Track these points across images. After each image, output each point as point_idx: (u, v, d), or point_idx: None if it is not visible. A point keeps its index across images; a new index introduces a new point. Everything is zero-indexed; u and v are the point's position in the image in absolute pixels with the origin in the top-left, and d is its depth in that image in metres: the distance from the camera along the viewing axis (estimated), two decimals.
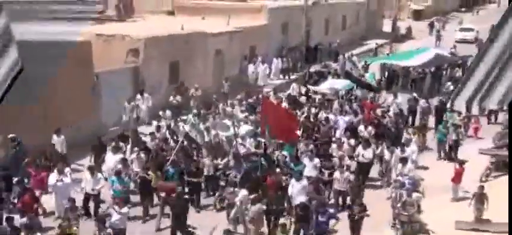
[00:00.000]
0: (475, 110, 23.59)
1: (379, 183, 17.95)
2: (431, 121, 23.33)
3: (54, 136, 17.44)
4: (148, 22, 30.01)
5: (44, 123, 17.45)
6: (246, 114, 21.55)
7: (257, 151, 17.74)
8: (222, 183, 16.20)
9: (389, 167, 17.53)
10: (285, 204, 14.85)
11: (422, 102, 24.14)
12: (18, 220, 12.76)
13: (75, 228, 12.91)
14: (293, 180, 14.97)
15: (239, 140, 18.13)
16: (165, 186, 14.90)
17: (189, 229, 14.41)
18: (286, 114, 19.28)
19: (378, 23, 53.21)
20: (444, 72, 32.07)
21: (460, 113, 21.98)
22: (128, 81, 22.53)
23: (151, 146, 17.81)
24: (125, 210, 13.33)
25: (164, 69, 24.25)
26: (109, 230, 12.98)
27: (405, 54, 34.50)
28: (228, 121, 19.41)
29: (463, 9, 76.74)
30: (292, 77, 31.78)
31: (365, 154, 17.51)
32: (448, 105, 22.64)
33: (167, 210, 14.58)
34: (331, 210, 14.30)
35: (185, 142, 17.53)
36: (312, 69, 32.26)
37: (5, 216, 13.01)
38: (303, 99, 25.47)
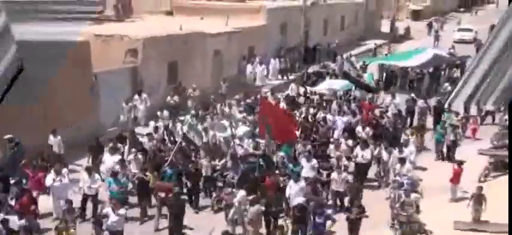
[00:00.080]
0: (473, 111, 23.63)
1: (377, 183, 17.95)
2: (429, 121, 23.36)
3: (51, 137, 17.39)
4: (146, 22, 29.99)
5: (43, 123, 17.43)
6: (244, 114, 21.50)
7: (255, 152, 17.68)
8: (220, 184, 16.13)
9: (387, 168, 17.54)
10: (284, 205, 14.83)
11: (420, 102, 24.13)
12: (17, 221, 12.71)
13: (72, 230, 12.87)
14: (291, 182, 14.92)
15: (237, 141, 18.12)
16: (162, 186, 14.89)
17: (187, 230, 14.39)
18: (284, 114, 19.27)
19: (377, 24, 53.25)
20: (442, 73, 32.09)
21: (457, 114, 21.99)
22: (127, 81, 22.52)
23: (149, 147, 17.75)
24: (121, 211, 13.27)
25: (163, 70, 24.24)
26: (106, 232, 12.95)
27: (403, 54, 34.46)
28: (225, 122, 19.38)
29: (461, 9, 76.87)
30: (291, 78, 31.78)
31: (363, 155, 17.51)
32: (446, 106, 22.66)
33: (165, 210, 14.56)
34: (329, 211, 14.29)
35: (183, 144, 17.50)
36: (310, 69, 32.29)
37: (1, 217, 12.94)
38: (301, 99, 25.45)
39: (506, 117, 21.61)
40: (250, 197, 14.33)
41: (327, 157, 17.64)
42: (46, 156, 16.78)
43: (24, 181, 15.16)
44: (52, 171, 15.00)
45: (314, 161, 16.57)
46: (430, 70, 30.81)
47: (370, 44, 43.86)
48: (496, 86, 3.73)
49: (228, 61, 28.88)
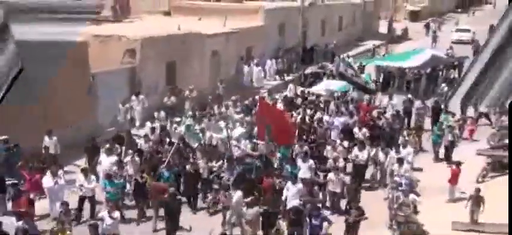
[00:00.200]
0: (470, 112, 23.67)
1: (375, 184, 17.95)
2: (427, 122, 23.36)
3: (46, 138, 17.28)
4: (144, 22, 29.97)
5: (42, 123, 17.38)
6: (241, 115, 21.43)
7: (253, 153, 17.62)
8: (215, 186, 16.00)
9: (384, 169, 17.53)
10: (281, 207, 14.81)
11: (417, 103, 24.14)
12: (14, 223, 12.67)
13: (68, 232, 12.81)
14: (289, 183, 14.82)
15: (234, 142, 18.08)
16: (158, 186, 14.83)
17: (184, 231, 14.38)
18: (283, 116, 19.20)
19: (374, 24, 53.34)
20: (440, 74, 32.10)
21: (454, 115, 22.01)
22: (125, 81, 22.49)
23: (145, 148, 17.68)
24: (116, 214, 13.21)
25: (161, 70, 24.23)
26: None
27: (401, 55, 34.48)
28: (221, 124, 19.35)
29: (459, 10, 77.04)
30: (288, 78, 31.77)
31: (360, 156, 17.51)
32: (443, 106, 22.70)
33: (162, 212, 14.51)
34: (326, 213, 14.25)
35: (180, 145, 17.46)
36: (308, 70, 32.28)
37: None
38: (299, 100, 25.42)
39: (503, 117, 21.65)
40: (248, 199, 14.29)
41: (324, 159, 17.61)
42: (42, 157, 16.72)
43: (21, 182, 15.13)
44: (48, 173, 14.92)
45: (311, 162, 16.53)
46: (428, 71, 30.84)
47: (368, 44, 43.91)
48: (490, 87, 3.75)
49: (226, 62, 28.89)
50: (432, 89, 29.66)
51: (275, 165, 17.33)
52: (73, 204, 14.66)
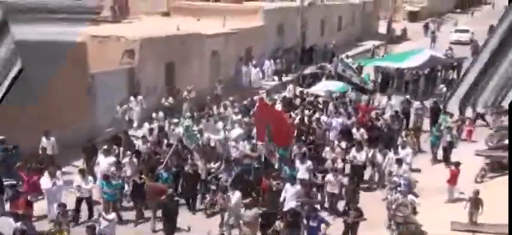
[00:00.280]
0: (468, 113, 23.68)
1: (373, 185, 17.94)
2: (425, 123, 23.34)
3: (43, 139, 17.21)
4: (143, 23, 29.97)
5: (40, 123, 17.36)
6: (240, 116, 21.36)
7: (251, 154, 17.53)
8: (213, 188, 15.93)
9: (382, 170, 17.50)
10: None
11: (416, 104, 24.13)
12: (12, 224, 12.64)
13: (65, 234, 12.79)
14: (287, 185, 14.76)
15: (233, 143, 18.03)
16: (156, 187, 14.76)
17: (181, 232, 14.35)
18: (282, 116, 19.15)
19: (374, 25, 53.39)
20: (439, 74, 32.09)
21: (452, 115, 22.00)
22: (123, 82, 22.47)
23: (143, 150, 17.62)
24: (111, 216, 13.18)
25: (160, 70, 24.21)
26: None
27: (399, 55, 34.39)
28: (219, 125, 19.29)
29: (458, 10, 77.14)
30: (286, 79, 31.75)
31: (358, 157, 17.47)
32: (442, 107, 22.71)
33: (160, 212, 14.49)
34: (323, 214, 14.21)
35: (179, 146, 17.42)
36: (307, 70, 32.28)
37: None
38: (298, 101, 25.39)
39: (502, 118, 21.66)
40: (247, 200, 14.25)
41: (322, 160, 17.57)
42: (40, 158, 16.67)
43: (19, 183, 15.09)
44: (46, 174, 14.85)
45: (309, 163, 16.48)
46: (426, 71, 30.83)
47: (367, 44, 43.92)
48: (485, 88, 3.75)
49: (226, 62, 28.89)
50: (431, 89, 29.65)
51: (276, 166, 17.23)
52: (71, 205, 14.63)
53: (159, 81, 24.16)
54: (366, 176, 18.07)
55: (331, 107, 23.60)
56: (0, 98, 3.31)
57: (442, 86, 28.12)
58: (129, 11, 32.73)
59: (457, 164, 16.52)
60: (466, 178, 16.69)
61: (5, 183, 14.77)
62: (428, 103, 24.76)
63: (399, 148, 18.06)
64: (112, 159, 16.18)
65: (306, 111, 22.36)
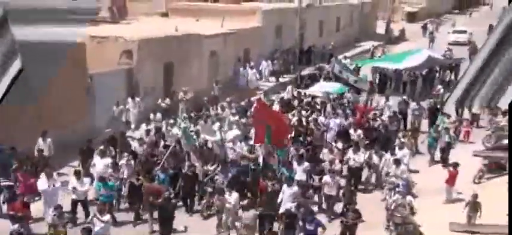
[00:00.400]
0: (466, 114, 23.74)
1: (369, 186, 17.92)
2: (423, 124, 23.33)
3: (40, 140, 17.13)
4: (142, 24, 29.95)
5: (39, 124, 17.35)
6: (237, 117, 21.29)
7: (249, 155, 17.43)
8: (209, 189, 15.84)
9: (379, 171, 17.47)
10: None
11: (413, 105, 24.13)
12: (10, 226, 12.58)
13: None
14: (284, 186, 14.72)
15: (230, 144, 17.99)
16: (152, 188, 14.72)
17: (179, 234, 14.35)
18: (280, 117, 19.11)
19: (372, 25, 53.41)
20: (437, 75, 32.09)
21: (449, 116, 22.01)
22: (122, 82, 22.47)
23: (140, 151, 17.55)
24: (106, 218, 13.12)
25: (158, 71, 24.21)
26: None
27: (397, 56, 34.38)
28: (215, 126, 19.25)
29: (456, 11, 77.17)
30: (284, 80, 31.73)
31: (355, 158, 17.43)
32: (441, 108, 22.71)
33: (156, 214, 14.46)
34: (320, 217, 14.17)
35: (177, 147, 17.38)
36: (304, 72, 32.28)
37: None
38: (296, 102, 25.35)
39: (498, 118, 21.71)
40: (244, 202, 14.23)
41: (319, 161, 17.51)
42: (35, 160, 16.58)
43: (17, 184, 15.04)
44: (43, 176, 14.63)
45: (306, 164, 16.45)
46: (424, 72, 30.84)
47: (366, 45, 43.94)
48: (481, 89, 3.76)
49: (224, 62, 28.89)
50: (429, 90, 29.63)
51: (274, 168, 17.12)
52: (67, 206, 14.52)
53: (157, 82, 24.15)
54: (363, 178, 18.05)
55: (328, 108, 23.59)
56: (0, 97, 3.32)
57: (439, 86, 28.08)
58: (128, 11, 32.69)
59: (455, 165, 16.53)
60: (464, 179, 16.70)
61: (2, 184, 14.73)
62: (425, 104, 24.77)
63: (396, 149, 18.02)
64: (108, 160, 16.11)
65: (304, 112, 22.34)
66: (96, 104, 20.58)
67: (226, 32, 29.26)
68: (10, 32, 3.26)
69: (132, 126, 21.66)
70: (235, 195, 14.26)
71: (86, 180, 15.07)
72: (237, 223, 13.90)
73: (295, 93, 26.52)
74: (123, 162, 16.30)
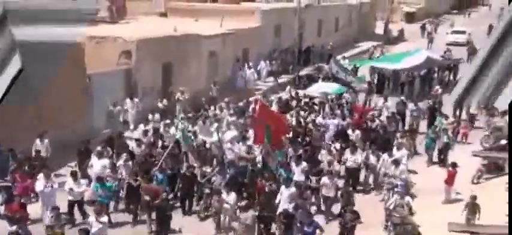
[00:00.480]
0: (463, 115, 23.77)
1: (367, 187, 17.92)
2: (422, 124, 23.34)
3: (37, 141, 17.10)
4: (140, 24, 29.93)
5: (37, 124, 17.33)
6: (235, 117, 21.28)
7: (247, 156, 17.39)
8: (207, 191, 15.81)
9: (377, 172, 17.46)
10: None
11: (411, 106, 24.13)
12: (7, 228, 12.54)
13: None
14: (282, 187, 14.72)
15: (228, 145, 17.97)
16: (150, 188, 14.70)
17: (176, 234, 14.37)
18: (280, 119, 19.08)
19: (371, 25, 53.45)
20: (435, 75, 32.10)
21: (447, 117, 22.03)
22: (121, 83, 22.45)
23: (138, 152, 17.51)
24: (103, 219, 13.11)
25: (157, 71, 24.20)
26: None
27: (396, 56, 34.38)
28: (212, 127, 19.22)
29: (454, 11, 77.18)
30: (282, 80, 31.72)
31: (353, 158, 17.42)
32: (439, 108, 22.73)
33: (154, 215, 14.45)
34: (318, 219, 14.15)
35: (176, 148, 17.36)
36: (302, 72, 32.28)
37: None
38: (294, 102, 25.33)
39: (495, 119, 21.74)
40: (242, 203, 14.21)
41: (317, 162, 17.48)
42: (32, 161, 16.54)
43: (15, 184, 15.01)
44: (41, 177, 14.56)
45: (304, 164, 16.44)
46: (422, 73, 30.84)
47: (364, 45, 43.96)
48: (478, 89, 3.76)
49: (223, 63, 28.88)
50: (427, 91, 29.65)
51: (272, 168, 17.11)
52: (65, 207, 14.47)
53: (156, 82, 24.14)
54: (360, 178, 18.04)
55: (327, 108, 23.59)
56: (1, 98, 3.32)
57: (437, 87, 28.09)
58: (126, 11, 32.65)
59: (454, 165, 16.56)
60: (463, 179, 16.74)
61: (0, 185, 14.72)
62: (423, 104, 24.78)
63: (394, 149, 18.01)
64: (105, 161, 16.07)
65: (302, 112, 22.32)
66: (94, 104, 20.55)
67: (225, 32, 29.25)
68: (10, 31, 3.26)
69: (131, 126, 21.63)
70: (233, 195, 14.24)
71: (83, 181, 15.03)
72: (235, 224, 13.89)
73: (293, 94, 26.54)
74: (120, 162, 16.27)
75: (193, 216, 15.68)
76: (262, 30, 33.03)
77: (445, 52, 36.66)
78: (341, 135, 20.10)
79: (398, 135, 20.53)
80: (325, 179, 15.69)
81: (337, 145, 18.87)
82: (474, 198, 14.00)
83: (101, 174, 15.21)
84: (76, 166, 17.00)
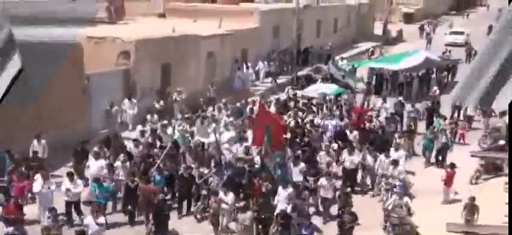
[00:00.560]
0: (461, 116, 23.80)
1: (365, 188, 17.90)
2: (420, 125, 23.33)
3: (35, 142, 17.05)
4: (139, 24, 29.91)
5: (36, 124, 17.31)
6: (232, 118, 21.21)
7: (245, 157, 17.33)
8: (204, 192, 15.72)
9: (374, 173, 17.43)
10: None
11: (408, 107, 24.13)
12: (4, 229, 12.49)
13: None
14: (280, 188, 14.70)
15: (226, 146, 17.95)
16: (147, 189, 14.68)
17: None
18: (278, 121, 19.05)
19: (369, 26, 53.47)
20: (434, 76, 32.11)
21: (445, 118, 22.04)
22: (119, 83, 22.44)
23: (135, 153, 17.44)
24: (101, 220, 13.09)
25: (156, 72, 24.20)
26: None
27: (395, 57, 34.38)
28: (209, 128, 19.20)
29: (453, 12, 77.27)
30: (280, 81, 31.72)
31: (350, 159, 17.38)
32: (437, 109, 22.74)
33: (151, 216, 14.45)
34: (316, 221, 14.16)
35: (174, 149, 17.34)
36: (301, 72, 32.27)
37: None
38: (292, 103, 25.30)
39: (492, 120, 21.77)
40: (241, 204, 14.21)
41: (315, 163, 17.43)
42: (29, 162, 16.48)
43: (12, 185, 14.97)
44: (39, 178, 14.47)
45: (302, 165, 16.42)
46: (421, 73, 30.85)
47: (363, 46, 43.98)
48: (476, 90, 3.78)
49: (221, 63, 28.88)
50: (425, 91, 29.65)
51: (271, 169, 17.10)
52: (60, 209, 14.35)
53: (154, 83, 24.13)
54: (358, 179, 18.03)
55: (325, 109, 23.58)
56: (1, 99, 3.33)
57: (435, 88, 28.08)
58: (125, 12, 32.62)
59: (452, 166, 16.58)
60: (461, 179, 16.77)
61: None
62: (421, 105, 24.78)
63: (392, 150, 17.97)
64: (102, 162, 16.01)
65: (300, 113, 22.32)
66: (93, 104, 20.54)
67: (224, 33, 29.25)
68: (10, 31, 3.27)
69: (129, 127, 21.63)
70: (231, 195, 14.24)
71: (79, 181, 14.98)
72: (232, 225, 13.88)
73: (291, 94, 26.52)
74: (118, 163, 16.18)
75: (191, 217, 15.64)
76: (260, 31, 33.04)
77: (443, 53, 36.69)
78: (339, 136, 20.07)
79: (396, 136, 20.49)
80: (323, 180, 15.65)
81: (335, 146, 18.83)
82: (473, 199, 14.01)
83: (97, 175, 15.16)
84: (72, 167, 16.90)
